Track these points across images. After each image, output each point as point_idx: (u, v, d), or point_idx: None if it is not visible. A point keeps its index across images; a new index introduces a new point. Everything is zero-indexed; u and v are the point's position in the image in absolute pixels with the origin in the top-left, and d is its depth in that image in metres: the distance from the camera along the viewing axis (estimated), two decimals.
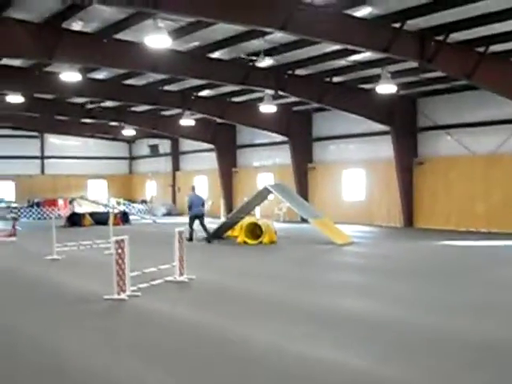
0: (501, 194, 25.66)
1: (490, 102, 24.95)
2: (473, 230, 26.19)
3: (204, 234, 22.48)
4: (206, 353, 7.86)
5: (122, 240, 11.43)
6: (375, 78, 23.36)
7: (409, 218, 29.35)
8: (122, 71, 25.41)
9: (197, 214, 22.42)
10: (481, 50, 20.44)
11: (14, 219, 26.03)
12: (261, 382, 6.70)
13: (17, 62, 24.18)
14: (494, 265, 16.22)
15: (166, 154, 46.85)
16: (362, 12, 17.62)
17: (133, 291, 11.65)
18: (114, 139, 47.95)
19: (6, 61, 23.51)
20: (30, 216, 39.76)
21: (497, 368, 7.05)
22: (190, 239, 21.60)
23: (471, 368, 7.07)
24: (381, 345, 8.11)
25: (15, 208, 37.96)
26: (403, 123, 28.79)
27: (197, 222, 22.41)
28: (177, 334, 8.86)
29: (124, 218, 34.08)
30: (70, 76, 22.19)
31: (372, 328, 9.03)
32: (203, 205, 22.90)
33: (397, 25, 18.16)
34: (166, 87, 28.91)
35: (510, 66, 22.02)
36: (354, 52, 20.92)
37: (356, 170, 32.37)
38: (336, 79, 26.16)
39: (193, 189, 23.88)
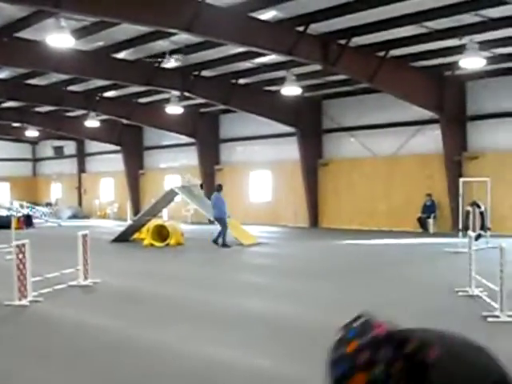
0: (401, 194, 26.53)
1: (391, 105, 25.65)
2: (375, 229, 26.91)
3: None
4: (110, 358, 7.77)
5: (23, 244, 11.16)
6: (280, 80, 23.63)
7: (314, 219, 29.87)
8: (23, 71, 24.75)
9: (214, 216, 21.17)
10: (381, 54, 21.06)
11: None
12: None
13: None
14: (393, 263, 16.73)
15: (71, 156, 45.88)
16: (267, 15, 17.84)
17: (34, 297, 11.37)
18: (16, 140, 46.54)
19: None
20: None
21: None
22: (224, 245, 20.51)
23: None
24: (285, 344, 8.21)
25: None
26: (308, 125, 29.25)
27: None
28: (79, 339, 8.71)
29: (27, 221, 33.18)
30: None
31: (276, 328, 9.14)
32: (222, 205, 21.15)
33: (300, 28, 18.47)
34: (70, 87, 28.36)
35: (409, 69, 22.84)
36: (259, 54, 21.09)
37: (262, 171, 32.67)
38: (242, 81, 26.34)
39: (217, 188, 22.13)
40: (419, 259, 17.58)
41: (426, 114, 24.56)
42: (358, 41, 19.98)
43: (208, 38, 18.27)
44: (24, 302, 11.04)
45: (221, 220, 20.79)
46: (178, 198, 24.19)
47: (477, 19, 17.58)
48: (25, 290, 11.16)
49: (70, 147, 45.46)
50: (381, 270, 15.22)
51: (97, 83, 27.39)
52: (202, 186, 23.05)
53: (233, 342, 8.41)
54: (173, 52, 21.52)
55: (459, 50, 19.06)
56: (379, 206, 27.24)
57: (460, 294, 11.10)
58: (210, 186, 34.00)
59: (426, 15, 17.41)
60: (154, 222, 22.48)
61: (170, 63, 22.48)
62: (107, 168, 42.73)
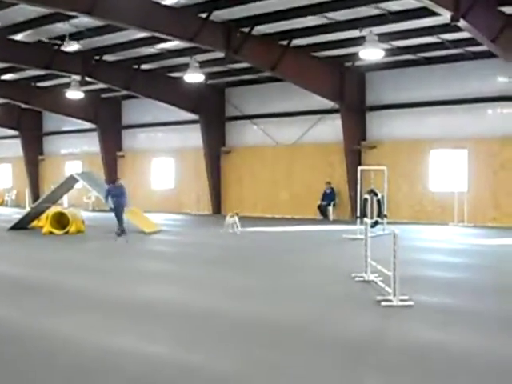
0: (302, 182, 26.98)
1: (293, 94, 26.02)
2: (278, 216, 27.28)
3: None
4: (1, 349, 7.55)
5: None
6: (184, 67, 23.53)
7: (217, 206, 29.95)
8: None
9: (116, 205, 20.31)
10: (284, 43, 21.30)
11: None
12: (56, 376, 6.54)
13: None
14: (293, 250, 16.99)
15: None
16: (170, 0, 17.69)
17: None
18: None
19: None
20: None
21: (291, 348, 7.41)
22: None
23: (268, 349, 7.36)
24: (187, 332, 8.20)
25: None
26: (211, 112, 29.27)
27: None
28: None
29: None
30: None
31: (173, 314, 9.13)
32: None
33: (203, 15, 18.43)
34: None
35: (311, 59, 23.21)
36: (162, 40, 20.94)
37: (165, 158, 32.47)
38: (144, 66, 26.07)
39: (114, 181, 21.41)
40: (318, 246, 17.94)
41: (328, 103, 25.04)
42: (261, 29, 20.15)
43: (109, 21, 17.99)
44: None
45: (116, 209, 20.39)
46: (78, 185, 23.72)
47: (377, 12, 18.05)
48: None
49: None
50: (281, 257, 15.43)
51: None
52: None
53: (129, 328, 8.34)
54: (73, 35, 21.04)
55: (359, 41, 19.54)
56: (281, 194, 27.64)
57: (356, 279, 11.40)
58: (113, 172, 33.66)
59: (328, 6, 17.78)
60: (54, 209, 21.97)
61: (70, 46, 21.96)
62: (5, 153, 41.42)
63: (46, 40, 22.02)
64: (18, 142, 38.42)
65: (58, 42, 21.85)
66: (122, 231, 19.92)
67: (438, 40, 20.76)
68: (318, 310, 9.40)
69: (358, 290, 10.80)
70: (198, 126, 29.46)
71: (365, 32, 18.97)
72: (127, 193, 20.82)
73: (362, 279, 11.37)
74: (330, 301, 10.04)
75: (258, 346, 7.46)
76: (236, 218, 20.48)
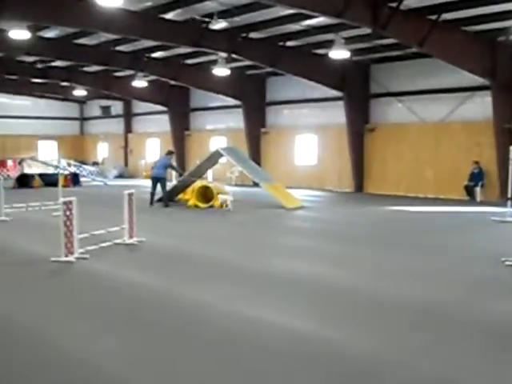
0: (448, 161, 26.17)
1: (440, 70, 25.19)
2: (421, 196, 26.67)
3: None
4: (154, 315, 7.88)
5: (70, 201, 11.32)
6: (329, 44, 23.34)
7: (359, 184, 29.71)
8: (72, 30, 24.91)
9: (154, 176, 22.07)
10: (433, 17, 20.60)
11: None
12: (205, 344, 6.76)
13: None
14: (438, 231, 16.54)
15: (118, 116, 46.26)
16: None
17: (81, 253, 11.57)
18: (64, 99, 47.10)
19: None
20: None
21: (435, 329, 7.26)
22: (151, 203, 21.79)
23: (412, 330, 7.25)
24: (324, 307, 8.24)
25: None
26: (356, 89, 28.93)
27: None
28: (123, 297, 8.86)
29: (74, 179, 33.66)
30: (19, 34, 21.56)
31: (317, 291, 9.16)
32: (167, 168, 22.35)
33: None
34: (118, 47, 28.49)
35: (461, 34, 22.30)
36: (308, 16, 20.85)
37: (308, 135, 32.51)
38: (290, 43, 26.10)
39: (167, 152, 23.64)
40: (465, 227, 17.35)
41: (477, 80, 24.04)
42: (409, 4, 19.58)
43: None
44: (70, 258, 11.24)
45: (159, 180, 21.81)
46: (222, 160, 24.26)
47: None
48: (71, 247, 11.35)
49: (117, 107, 45.85)
50: (424, 237, 15.08)
51: (144, 44, 27.46)
52: None
53: (272, 302, 8.47)
54: (221, 13, 21.42)
55: None
56: (425, 173, 26.97)
57: (506, 263, 10.95)
58: (257, 148, 34.15)
59: None
60: (199, 183, 22.62)
61: (218, 24, 22.37)
62: (153, 128, 43.04)
63: (194, 18, 22.50)
64: (165, 118, 39.80)
65: (206, 20, 22.30)
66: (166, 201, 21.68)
67: None
68: (464, 292, 9.13)
69: (508, 274, 10.38)
70: (341, 103, 29.26)
71: None
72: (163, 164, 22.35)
73: None
74: (477, 284, 9.71)
75: (401, 327, 7.36)
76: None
